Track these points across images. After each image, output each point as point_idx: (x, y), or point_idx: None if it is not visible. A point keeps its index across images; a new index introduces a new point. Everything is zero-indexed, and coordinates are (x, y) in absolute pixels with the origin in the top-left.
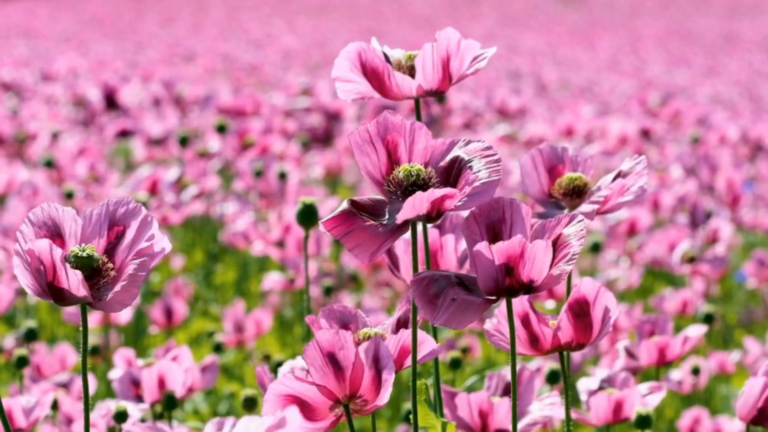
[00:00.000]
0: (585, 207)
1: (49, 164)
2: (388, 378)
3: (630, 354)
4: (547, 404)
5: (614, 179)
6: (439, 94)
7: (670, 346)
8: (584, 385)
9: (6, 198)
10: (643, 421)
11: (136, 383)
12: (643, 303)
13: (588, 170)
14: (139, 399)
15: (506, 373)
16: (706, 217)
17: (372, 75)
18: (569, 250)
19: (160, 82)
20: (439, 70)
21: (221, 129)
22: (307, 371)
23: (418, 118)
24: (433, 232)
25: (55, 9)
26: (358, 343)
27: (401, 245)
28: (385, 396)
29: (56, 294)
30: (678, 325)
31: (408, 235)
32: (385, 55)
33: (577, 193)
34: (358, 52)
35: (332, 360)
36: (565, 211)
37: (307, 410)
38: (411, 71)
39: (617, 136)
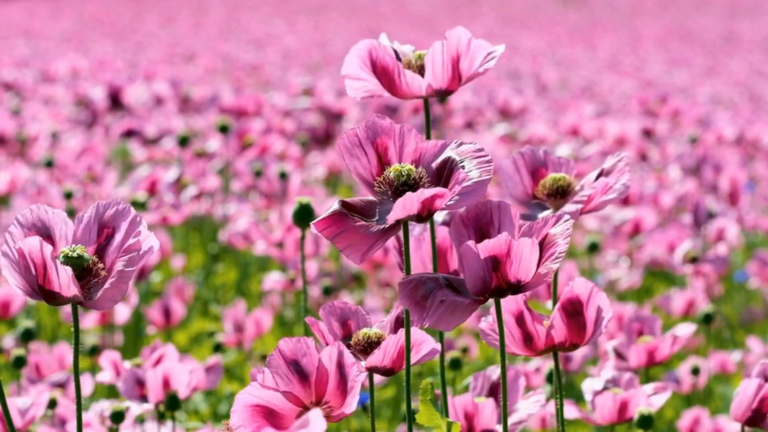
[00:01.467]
0: (569, 207)
1: (50, 164)
2: (354, 386)
3: (619, 355)
4: (532, 402)
5: (597, 178)
6: (448, 94)
7: (659, 348)
8: (589, 385)
9: (9, 198)
10: (645, 421)
11: (140, 383)
12: (645, 304)
13: (570, 172)
14: (143, 399)
15: (491, 373)
16: (708, 217)
17: (382, 73)
18: (555, 249)
19: (166, 81)
20: (449, 69)
21: (223, 129)
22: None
23: (427, 117)
24: (442, 230)
25: (55, 9)
26: (357, 344)
27: (411, 243)
28: (352, 403)
29: (47, 293)
30: None
31: (417, 233)
32: (395, 52)
33: (561, 193)
34: (368, 49)
35: (296, 367)
36: (550, 211)
37: (275, 419)
38: (420, 71)
39: (615, 137)
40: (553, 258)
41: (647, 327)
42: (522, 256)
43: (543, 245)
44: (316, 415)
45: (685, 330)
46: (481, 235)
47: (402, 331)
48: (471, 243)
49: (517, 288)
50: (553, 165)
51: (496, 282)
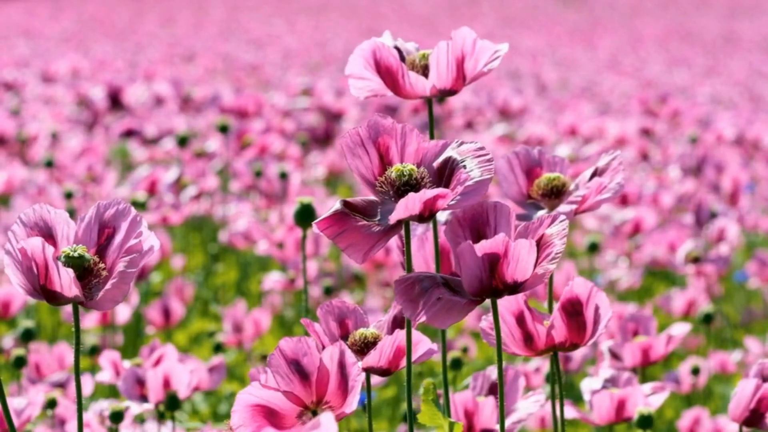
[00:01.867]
0: (563, 207)
1: (50, 164)
2: (355, 385)
3: (614, 355)
4: (532, 402)
5: (591, 177)
6: (452, 94)
7: (654, 347)
8: (587, 384)
9: (8, 198)
10: (645, 421)
11: (140, 383)
12: (645, 304)
13: (565, 171)
14: (143, 399)
15: (491, 372)
16: (710, 217)
17: (386, 73)
18: (552, 250)
19: (167, 81)
20: (454, 69)
21: (223, 129)
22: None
23: (431, 117)
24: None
25: (55, 9)
26: (354, 344)
27: (415, 243)
28: (352, 403)
29: (48, 293)
30: None
31: (420, 232)
32: (398, 50)
33: (556, 193)
34: (372, 49)
35: (297, 367)
36: (545, 211)
37: (275, 419)
38: (424, 70)
39: (615, 137)
40: (550, 258)
41: (642, 327)
42: (519, 257)
43: (539, 245)
44: (327, 418)
45: (680, 329)
46: (478, 235)
47: (398, 332)
48: (468, 244)
49: (513, 288)
50: (548, 164)
51: (493, 283)
